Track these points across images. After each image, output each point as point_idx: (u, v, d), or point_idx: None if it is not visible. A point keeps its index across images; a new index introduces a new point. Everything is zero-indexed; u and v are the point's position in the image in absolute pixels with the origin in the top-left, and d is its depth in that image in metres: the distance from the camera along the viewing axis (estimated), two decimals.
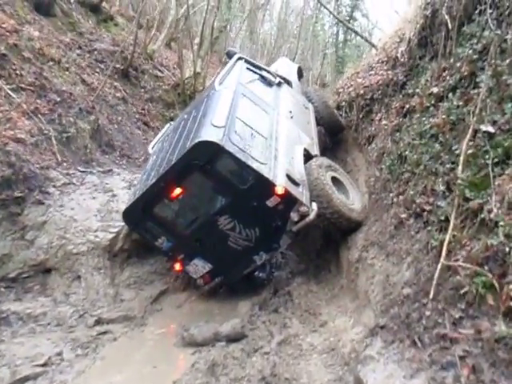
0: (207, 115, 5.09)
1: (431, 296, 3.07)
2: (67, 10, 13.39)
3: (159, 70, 15.64)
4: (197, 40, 16.40)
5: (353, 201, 5.65)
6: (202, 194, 5.11)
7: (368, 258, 4.54)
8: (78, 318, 5.05)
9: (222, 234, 5.21)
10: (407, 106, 5.90)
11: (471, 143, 3.65)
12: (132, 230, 5.64)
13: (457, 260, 3.11)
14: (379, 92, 7.25)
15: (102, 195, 6.37)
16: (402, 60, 6.77)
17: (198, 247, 5.38)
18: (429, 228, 3.69)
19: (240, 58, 6.50)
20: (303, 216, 4.96)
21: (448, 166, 3.97)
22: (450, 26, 5.30)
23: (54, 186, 6.17)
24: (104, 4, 16.30)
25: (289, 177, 5.03)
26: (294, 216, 4.99)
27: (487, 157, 3.28)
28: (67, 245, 5.60)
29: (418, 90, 5.76)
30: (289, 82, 7.12)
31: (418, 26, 6.33)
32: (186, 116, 6.01)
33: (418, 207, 4.07)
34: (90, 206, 6.10)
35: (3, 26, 9.01)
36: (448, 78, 4.88)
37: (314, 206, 5.06)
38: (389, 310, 3.45)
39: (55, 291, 5.34)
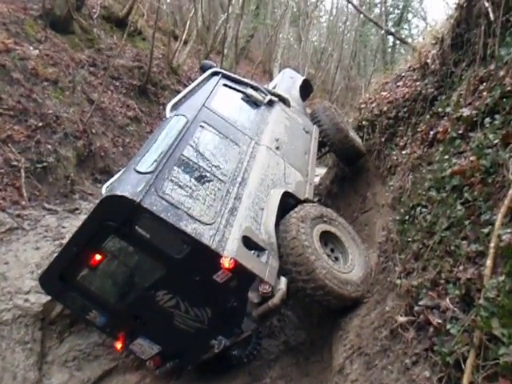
0: (137, 156, 3.79)
1: None
2: (87, 27, 12.75)
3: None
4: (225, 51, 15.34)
5: (351, 266, 4.05)
6: (130, 262, 3.80)
7: (349, 377, 2.94)
8: None
9: (164, 312, 3.88)
10: (433, 132, 4.23)
11: (509, 220, 2.01)
12: (54, 299, 4.44)
13: None
14: (405, 109, 5.58)
15: (49, 244, 5.25)
16: (433, 67, 5.06)
17: (139, 325, 4.08)
18: (428, 373, 2.07)
19: (215, 73, 5.13)
20: (266, 297, 3.48)
21: (474, 247, 2.33)
22: (491, 16, 3.61)
23: None
24: (132, 18, 15.66)
25: (247, 240, 3.58)
26: (253, 297, 3.52)
27: None
28: None
29: (448, 110, 4.08)
30: (285, 101, 5.62)
31: (452, 20, 4.63)
32: None
33: (422, 313, 2.45)
34: (29, 259, 4.99)
35: None
36: (485, 94, 3.20)
37: (283, 283, 3.57)
38: None
39: None
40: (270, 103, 5.35)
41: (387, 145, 5.92)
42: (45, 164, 7.10)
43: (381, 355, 2.72)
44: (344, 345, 3.44)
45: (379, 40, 19.75)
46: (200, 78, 4.99)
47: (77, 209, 6.39)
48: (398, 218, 3.79)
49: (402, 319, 2.65)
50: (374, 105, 6.55)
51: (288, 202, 4.41)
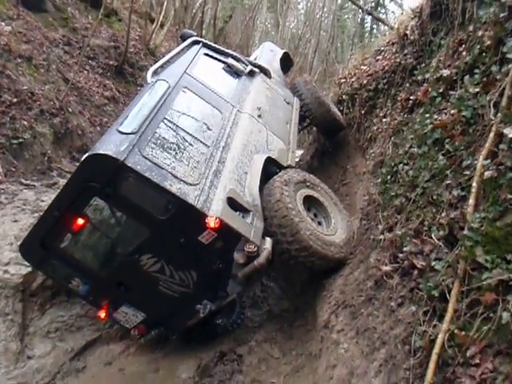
0: (120, 118, 3.74)
1: None
2: (60, 5, 12.36)
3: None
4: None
5: (334, 229, 4.12)
6: (113, 226, 3.75)
7: (335, 327, 3.02)
8: None
9: (148, 277, 3.85)
10: (413, 98, 4.31)
11: (491, 158, 2.08)
12: (36, 268, 4.35)
13: None
14: (384, 81, 5.64)
15: (28, 217, 5.14)
16: (412, 38, 5.13)
17: (123, 292, 4.05)
18: (414, 308, 2.14)
19: (196, 42, 5.07)
20: (251, 257, 3.50)
21: (456, 193, 2.41)
22: None
23: None
24: None
25: (232, 201, 3.59)
26: (239, 257, 3.54)
27: None
28: None
29: (427, 76, 4.15)
30: (266, 72, 5.62)
31: None
32: None
33: (406, 259, 2.53)
34: (8, 231, 4.88)
35: None
36: (464, 53, 3.27)
37: (268, 242, 3.60)
38: None
39: None
40: (251, 74, 5.33)
41: (367, 117, 6.00)
42: (21, 140, 6.91)
43: (366, 304, 2.79)
44: (328, 302, 3.51)
45: (357, 24, 19.82)
46: (180, 46, 4.93)
47: (55, 183, 6.26)
48: (379, 180, 3.86)
49: (386, 268, 2.72)
50: (353, 79, 6.60)
51: (270, 170, 4.43)
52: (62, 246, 3.87)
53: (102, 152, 3.23)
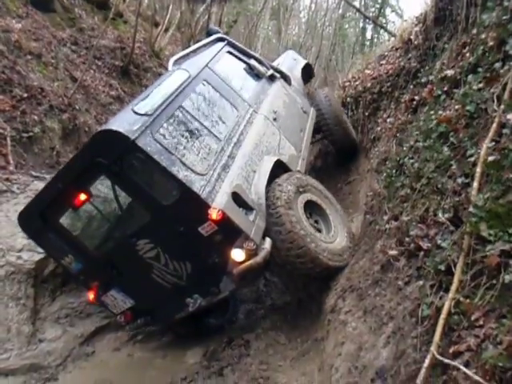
0: (136, 99, 3.81)
1: None
2: (68, 6, 12.60)
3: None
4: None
5: (335, 235, 4.14)
6: (114, 205, 3.82)
7: (342, 310, 3.16)
8: None
9: (143, 263, 3.79)
10: (417, 99, 4.50)
11: (494, 145, 2.26)
12: (31, 239, 4.24)
13: (458, 353, 1.74)
14: (388, 84, 5.86)
15: None
16: (416, 42, 5.33)
17: (114, 275, 3.97)
18: (421, 282, 2.30)
19: (221, 39, 5.17)
20: (250, 255, 3.46)
21: (460, 180, 2.58)
22: None
23: None
24: (113, 1, 15.46)
25: (236, 196, 3.57)
26: (237, 254, 3.50)
27: None
28: None
29: (431, 77, 4.35)
30: (286, 78, 5.76)
31: None
32: None
33: (412, 242, 2.69)
34: None
35: None
36: (468, 55, 3.46)
37: (267, 242, 3.61)
38: None
39: None
40: (272, 78, 5.39)
41: (371, 119, 6.20)
42: (30, 134, 7.07)
43: (373, 286, 2.94)
44: (335, 289, 3.65)
45: (358, 33, 20.16)
46: (205, 41, 5.04)
47: None
48: (384, 174, 4.03)
49: (392, 252, 2.87)
50: (357, 82, 6.81)
51: (277, 175, 4.27)
52: (60, 220, 3.84)
53: (114, 128, 3.23)
